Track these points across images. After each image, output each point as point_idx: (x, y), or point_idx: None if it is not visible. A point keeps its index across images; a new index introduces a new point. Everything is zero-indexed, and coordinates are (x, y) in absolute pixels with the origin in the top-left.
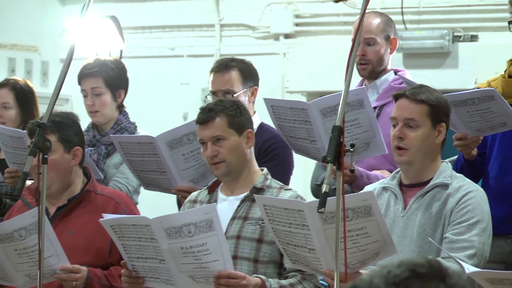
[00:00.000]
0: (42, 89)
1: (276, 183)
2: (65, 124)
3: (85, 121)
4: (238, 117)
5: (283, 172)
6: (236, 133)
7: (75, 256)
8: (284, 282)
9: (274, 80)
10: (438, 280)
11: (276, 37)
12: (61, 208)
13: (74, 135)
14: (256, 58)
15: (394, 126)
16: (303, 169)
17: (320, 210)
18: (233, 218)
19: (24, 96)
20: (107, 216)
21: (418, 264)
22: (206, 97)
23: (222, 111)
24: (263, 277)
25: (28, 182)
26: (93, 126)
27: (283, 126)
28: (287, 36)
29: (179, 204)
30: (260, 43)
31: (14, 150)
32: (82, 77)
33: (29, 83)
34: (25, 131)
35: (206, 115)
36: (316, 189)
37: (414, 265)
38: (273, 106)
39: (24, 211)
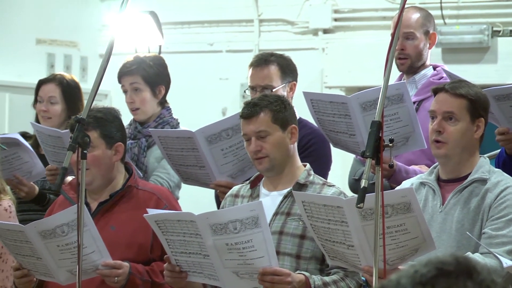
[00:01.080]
0: (81, 85)
1: (319, 179)
2: (106, 120)
3: (125, 116)
4: (282, 112)
5: (321, 167)
6: (280, 128)
7: (117, 252)
8: (327, 279)
9: (313, 76)
10: (466, 277)
11: (315, 32)
12: (103, 204)
13: (116, 130)
14: (295, 53)
15: (433, 118)
16: (341, 164)
17: (359, 206)
18: (275, 214)
19: (70, 92)
20: (151, 212)
21: (445, 262)
22: (244, 91)
23: (267, 106)
24: (306, 273)
25: (70, 178)
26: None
27: (322, 120)
28: (326, 31)
29: (218, 199)
30: (299, 38)
31: (53, 148)
32: (121, 75)
33: (75, 78)
34: (63, 131)
35: (251, 110)
36: (354, 184)
37: (441, 263)
38: (312, 99)
39: (65, 206)
